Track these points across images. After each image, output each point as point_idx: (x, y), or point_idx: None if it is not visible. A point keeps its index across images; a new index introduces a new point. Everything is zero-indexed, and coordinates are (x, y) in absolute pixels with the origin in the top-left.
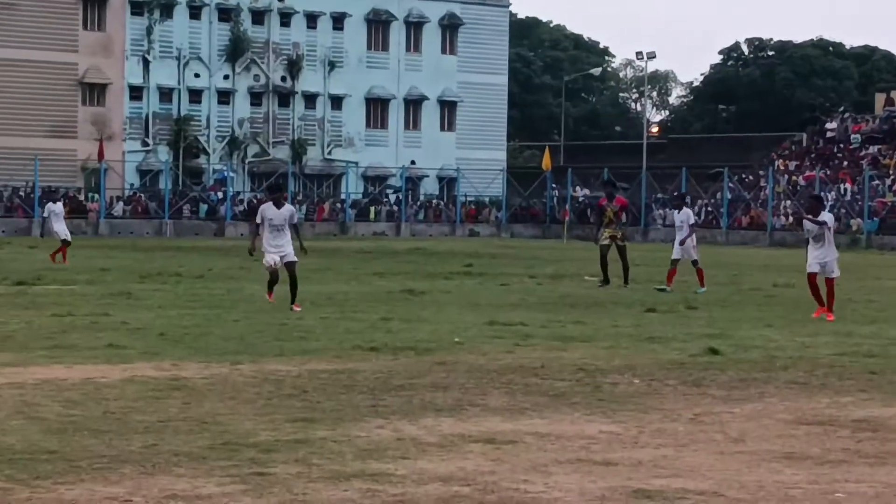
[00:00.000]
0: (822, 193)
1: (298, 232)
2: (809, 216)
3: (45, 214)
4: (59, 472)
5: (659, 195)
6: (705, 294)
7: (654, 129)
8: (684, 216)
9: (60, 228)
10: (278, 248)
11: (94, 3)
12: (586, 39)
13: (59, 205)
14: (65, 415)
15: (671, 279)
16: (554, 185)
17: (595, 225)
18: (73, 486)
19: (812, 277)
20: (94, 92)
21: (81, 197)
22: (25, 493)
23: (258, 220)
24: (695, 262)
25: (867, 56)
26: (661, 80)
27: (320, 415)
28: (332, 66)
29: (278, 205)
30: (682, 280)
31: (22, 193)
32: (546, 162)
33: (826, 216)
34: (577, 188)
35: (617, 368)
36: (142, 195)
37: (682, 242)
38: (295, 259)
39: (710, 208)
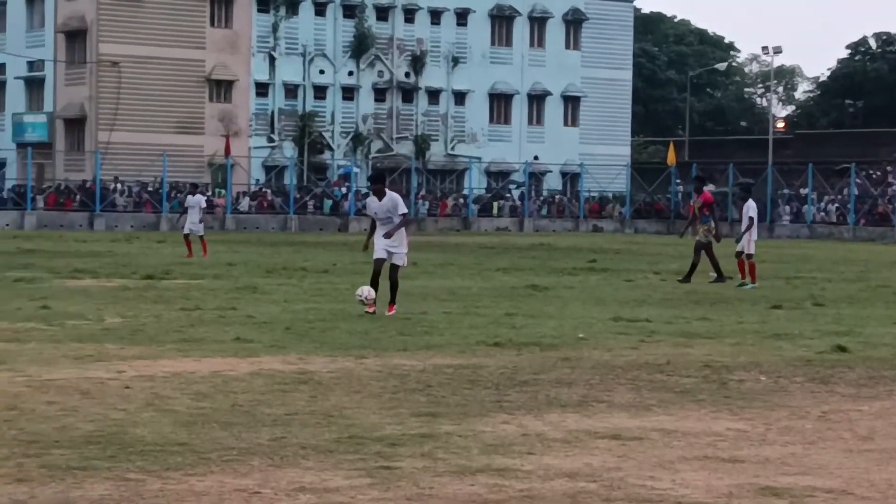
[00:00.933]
0: None
1: (402, 224)
2: None
3: (189, 206)
4: (189, 463)
5: (785, 191)
6: (832, 291)
7: (780, 125)
8: (746, 208)
9: (190, 221)
10: (386, 244)
11: (221, 1)
12: (711, 34)
13: (199, 197)
14: (194, 407)
15: (753, 274)
16: (678, 181)
17: (687, 221)
18: (204, 477)
19: None
20: (221, 88)
21: (208, 192)
22: (157, 485)
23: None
24: (748, 256)
25: None
26: (787, 75)
27: (445, 409)
28: (455, 61)
29: (379, 196)
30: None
31: (150, 189)
32: (671, 157)
33: None
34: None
35: (743, 365)
36: (267, 191)
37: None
38: (399, 263)
39: (836, 205)
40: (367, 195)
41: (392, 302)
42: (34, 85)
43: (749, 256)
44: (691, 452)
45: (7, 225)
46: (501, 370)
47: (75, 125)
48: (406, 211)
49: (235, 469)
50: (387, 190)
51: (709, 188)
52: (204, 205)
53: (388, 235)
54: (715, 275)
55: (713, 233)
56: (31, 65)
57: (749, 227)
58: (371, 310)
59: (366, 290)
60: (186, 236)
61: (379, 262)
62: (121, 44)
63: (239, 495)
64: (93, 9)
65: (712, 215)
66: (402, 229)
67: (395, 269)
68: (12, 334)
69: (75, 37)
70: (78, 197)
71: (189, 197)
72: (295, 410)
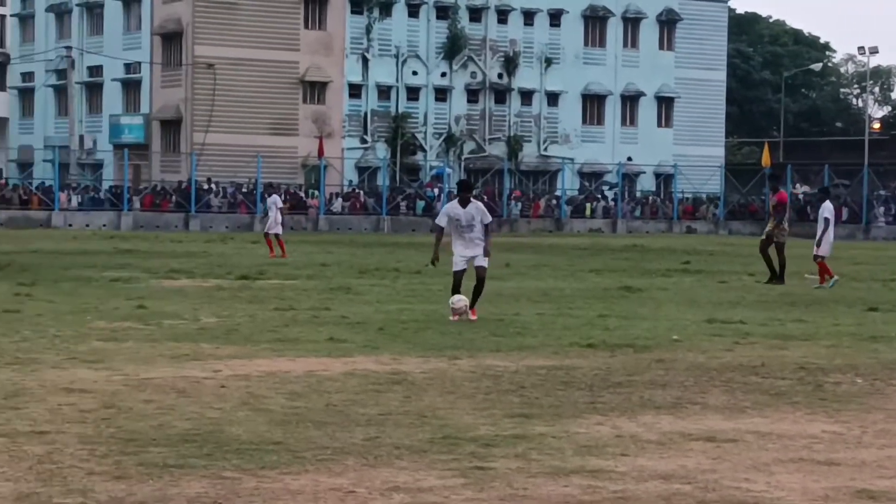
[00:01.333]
0: None
1: (488, 233)
2: None
3: (280, 206)
4: (284, 462)
5: (881, 192)
6: None
7: (876, 126)
8: (822, 210)
9: (276, 220)
10: (466, 254)
11: (315, 3)
12: (806, 34)
13: (274, 197)
14: (289, 407)
15: (826, 271)
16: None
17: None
18: (298, 476)
19: None
20: (315, 90)
21: (301, 193)
22: (252, 483)
23: (442, 223)
24: (818, 258)
25: None
26: (883, 76)
27: (538, 410)
28: (548, 62)
29: (464, 203)
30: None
31: (245, 190)
32: (765, 158)
33: None
34: (797, 185)
35: (839, 367)
36: (360, 192)
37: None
38: (483, 264)
39: None
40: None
41: (473, 304)
42: (131, 87)
43: (817, 258)
44: (786, 455)
45: (104, 225)
46: (595, 372)
47: (171, 126)
48: (491, 220)
49: (330, 468)
50: (470, 197)
51: (803, 189)
52: (280, 204)
53: (486, 253)
54: (770, 274)
55: (770, 230)
56: (128, 67)
57: (825, 230)
58: (456, 318)
59: (459, 300)
60: (266, 235)
61: (459, 274)
62: (216, 46)
63: (333, 494)
64: (189, 11)
65: (782, 215)
66: (483, 237)
67: (481, 269)
68: (110, 333)
69: (171, 39)
70: (173, 198)
71: (268, 198)
72: (389, 410)
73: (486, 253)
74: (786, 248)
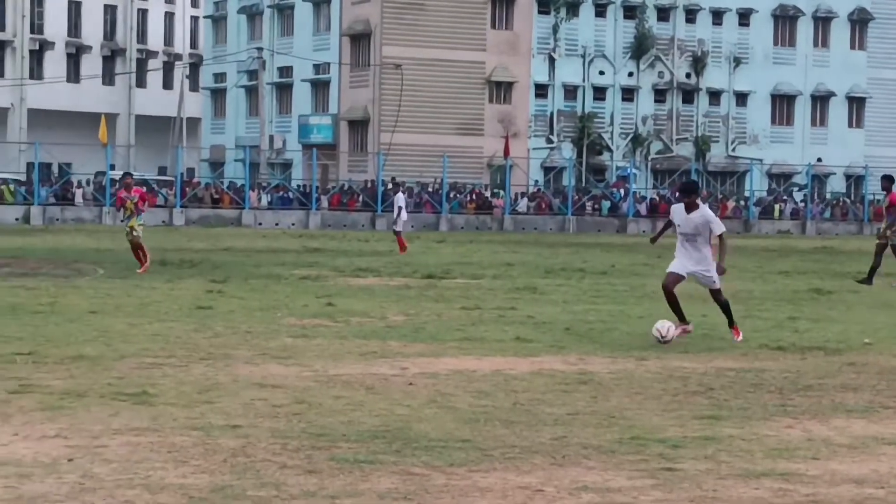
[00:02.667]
0: None
1: (723, 246)
2: None
3: (401, 205)
4: (472, 460)
5: None
6: None
7: None
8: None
9: (402, 219)
10: (689, 262)
11: (502, 3)
12: None
13: (399, 195)
14: (476, 405)
15: None
16: None
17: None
18: (487, 474)
19: None
20: (501, 90)
21: (487, 193)
22: (442, 480)
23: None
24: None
25: None
26: None
27: (727, 413)
28: (737, 62)
29: (689, 208)
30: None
31: (430, 189)
32: None
33: None
34: None
35: None
36: (546, 192)
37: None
38: (715, 286)
39: None
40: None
41: (731, 324)
42: (320, 87)
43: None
44: None
45: (293, 224)
46: (785, 374)
47: (358, 126)
48: (724, 230)
49: (518, 466)
50: (699, 204)
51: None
52: (402, 203)
53: (719, 270)
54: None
55: (882, 231)
56: (318, 68)
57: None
58: (672, 336)
59: (666, 327)
60: (397, 233)
61: (671, 277)
62: (403, 46)
63: (522, 492)
64: (377, 13)
65: (894, 217)
66: (710, 251)
67: (715, 292)
68: (300, 330)
69: (360, 40)
70: (360, 197)
71: (393, 195)
72: (576, 410)
73: (721, 271)
74: (886, 250)
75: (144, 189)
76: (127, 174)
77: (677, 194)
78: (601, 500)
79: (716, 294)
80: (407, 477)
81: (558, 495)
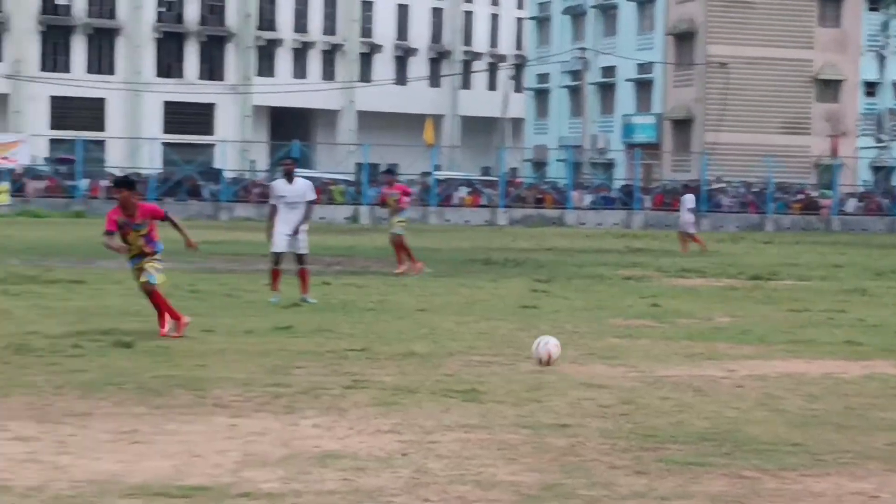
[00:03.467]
0: None
1: None
2: None
3: (690, 206)
4: (804, 464)
5: None
6: None
7: None
8: None
9: (686, 220)
10: None
11: (831, 0)
12: None
13: (687, 196)
14: (806, 408)
15: None
16: None
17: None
18: (819, 479)
19: None
20: (829, 88)
21: (814, 193)
22: (773, 484)
23: None
24: None
25: None
26: None
27: None
28: None
29: None
30: None
31: (755, 190)
32: None
33: None
34: None
35: None
36: (876, 192)
37: None
38: None
39: None
40: None
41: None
42: (643, 87)
43: None
44: None
45: (615, 224)
46: None
47: (682, 126)
48: None
49: (852, 472)
50: None
51: None
52: (690, 205)
53: None
54: None
55: None
56: (641, 67)
57: None
58: None
59: None
60: (685, 234)
61: None
62: (729, 45)
63: (856, 498)
64: (702, 11)
65: None
66: None
67: None
68: (625, 330)
69: (684, 39)
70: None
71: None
72: None
73: None
74: None
75: (406, 185)
76: (388, 171)
77: None
78: None
79: None
80: (737, 480)
81: (894, 502)
